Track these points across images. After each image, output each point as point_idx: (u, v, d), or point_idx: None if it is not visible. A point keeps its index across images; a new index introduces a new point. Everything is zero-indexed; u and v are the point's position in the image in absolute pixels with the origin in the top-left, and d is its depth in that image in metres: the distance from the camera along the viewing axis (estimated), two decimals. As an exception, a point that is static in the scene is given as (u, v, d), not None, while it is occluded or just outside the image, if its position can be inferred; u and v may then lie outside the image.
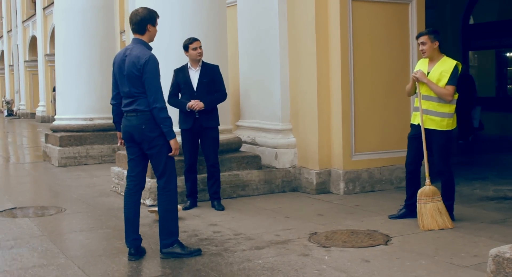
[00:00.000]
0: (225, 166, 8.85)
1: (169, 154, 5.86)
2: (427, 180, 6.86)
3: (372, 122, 9.16)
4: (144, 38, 5.92)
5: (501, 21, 17.23)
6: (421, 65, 7.15)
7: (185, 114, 7.98)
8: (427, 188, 6.81)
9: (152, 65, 5.74)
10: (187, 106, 7.86)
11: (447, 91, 6.88)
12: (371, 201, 8.36)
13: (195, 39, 7.98)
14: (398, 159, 9.25)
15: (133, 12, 5.95)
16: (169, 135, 5.80)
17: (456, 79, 6.95)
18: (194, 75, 8.03)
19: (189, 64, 8.08)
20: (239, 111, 10.66)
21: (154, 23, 5.95)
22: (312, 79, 9.05)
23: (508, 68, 18.18)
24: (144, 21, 5.88)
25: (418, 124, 7.00)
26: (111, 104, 6.20)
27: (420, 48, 7.06)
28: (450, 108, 6.96)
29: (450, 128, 7.00)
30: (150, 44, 5.99)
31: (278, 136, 9.55)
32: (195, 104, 7.85)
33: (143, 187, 6.09)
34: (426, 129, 6.95)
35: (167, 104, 6.01)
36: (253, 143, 9.94)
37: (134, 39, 5.97)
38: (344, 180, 8.88)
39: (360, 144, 9.05)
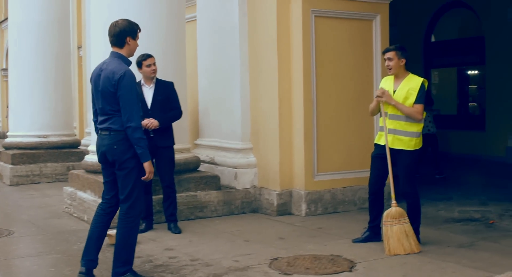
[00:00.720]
0: (182, 187, 8.49)
1: (143, 178, 5.50)
2: (393, 201, 6.59)
3: (335, 141, 8.90)
4: (123, 52, 5.60)
5: (462, 39, 17.22)
6: (386, 83, 6.91)
7: (139, 133, 7.62)
8: (393, 210, 6.53)
9: (127, 81, 5.40)
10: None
11: (416, 109, 6.66)
12: (334, 223, 8.07)
13: (149, 56, 7.65)
14: (361, 179, 9.00)
15: (112, 24, 5.64)
16: (143, 157, 5.44)
17: (424, 97, 6.74)
18: (148, 93, 7.70)
19: (142, 81, 7.74)
20: (197, 129, 10.33)
21: (134, 36, 5.63)
22: (273, 97, 8.76)
23: (470, 86, 18.15)
24: (123, 34, 5.57)
25: (384, 144, 6.74)
26: (93, 121, 5.86)
27: (386, 64, 6.82)
28: (418, 127, 6.73)
29: (417, 148, 6.76)
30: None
31: (238, 156, 9.23)
32: (150, 122, 7.50)
33: (116, 210, 5.71)
34: (392, 150, 6.69)
35: None
36: (212, 162, 9.61)
37: (111, 53, 5.65)
38: (306, 201, 8.58)
39: (322, 164, 8.77)
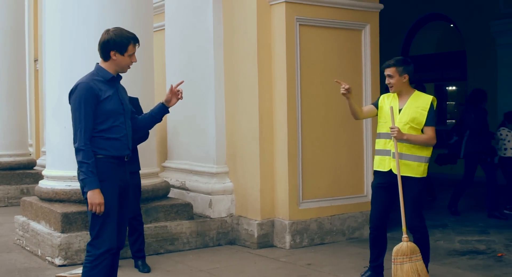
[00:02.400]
0: (150, 217, 7.47)
1: (89, 209, 4.56)
2: (404, 235, 5.64)
3: (321, 165, 7.96)
4: (106, 66, 4.73)
5: (442, 53, 16.49)
6: (388, 100, 5.99)
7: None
8: (404, 245, 5.56)
9: (76, 94, 4.59)
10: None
11: (429, 136, 5.79)
12: (324, 258, 7.11)
13: None
14: (349, 206, 8.13)
15: (104, 31, 4.78)
16: (84, 184, 4.54)
17: (435, 118, 5.86)
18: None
19: (103, 98, 6.69)
20: (165, 150, 9.30)
21: (122, 51, 4.70)
22: (252, 115, 7.79)
23: (448, 102, 17.43)
24: (107, 46, 4.68)
25: (389, 171, 5.82)
26: None
27: (387, 81, 5.91)
28: (428, 151, 5.84)
29: (425, 175, 5.86)
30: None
31: (213, 181, 8.22)
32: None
33: (119, 247, 4.78)
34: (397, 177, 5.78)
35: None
36: (183, 187, 8.58)
37: (96, 64, 4.84)
38: (291, 232, 7.61)
39: (308, 190, 7.82)
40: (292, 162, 7.65)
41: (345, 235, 8.06)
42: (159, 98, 8.63)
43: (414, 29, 16.59)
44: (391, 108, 5.79)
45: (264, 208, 7.76)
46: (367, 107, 6.21)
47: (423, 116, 5.78)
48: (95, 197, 4.51)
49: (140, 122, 5.01)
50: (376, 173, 6.05)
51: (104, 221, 4.60)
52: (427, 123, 5.79)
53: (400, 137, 5.67)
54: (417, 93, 5.97)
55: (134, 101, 6.81)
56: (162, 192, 7.84)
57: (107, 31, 4.71)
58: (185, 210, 7.78)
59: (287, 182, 7.63)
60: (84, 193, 4.63)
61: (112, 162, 4.68)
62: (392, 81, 5.87)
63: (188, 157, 8.70)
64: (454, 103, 17.37)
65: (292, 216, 7.66)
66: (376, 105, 6.09)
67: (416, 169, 5.79)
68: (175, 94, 4.98)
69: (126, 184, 4.85)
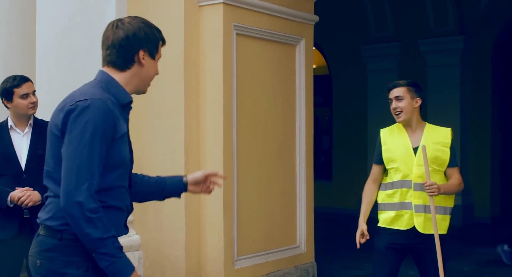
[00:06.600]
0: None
1: None
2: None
3: (256, 211, 6.36)
4: (122, 79, 2.70)
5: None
6: (392, 136, 4.60)
7: (4, 213, 4.43)
8: None
9: (88, 118, 2.51)
10: (8, 199, 4.33)
11: (459, 180, 4.55)
12: None
13: (25, 79, 4.60)
14: (283, 261, 6.70)
15: (110, 24, 2.72)
16: (115, 271, 2.60)
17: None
18: (21, 142, 4.54)
19: (10, 123, 4.60)
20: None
21: (153, 51, 2.75)
22: (175, 147, 5.96)
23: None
24: (134, 43, 2.68)
25: (410, 229, 4.46)
26: None
27: (393, 106, 4.55)
28: (452, 200, 4.68)
29: (446, 232, 4.59)
30: None
31: (115, 233, 6.27)
32: (25, 195, 4.34)
33: None
34: (424, 236, 4.44)
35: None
36: (69, 241, 6.54)
37: (99, 72, 2.75)
38: (226, 301, 5.92)
39: (243, 244, 6.17)
40: (227, 209, 5.96)
41: (281, 299, 6.52)
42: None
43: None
44: (424, 147, 4.35)
45: (190, 269, 5.98)
46: (374, 177, 4.73)
47: (446, 155, 4.51)
48: None
49: (145, 186, 3.03)
50: (386, 230, 4.62)
51: None
52: (451, 164, 4.52)
53: (438, 193, 4.33)
54: (429, 125, 4.66)
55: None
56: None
57: (120, 22, 2.69)
58: (84, 275, 5.79)
59: (222, 235, 5.92)
60: None
61: None
62: (401, 105, 4.52)
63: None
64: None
65: (228, 279, 5.97)
66: (380, 159, 4.65)
67: (441, 224, 4.53)
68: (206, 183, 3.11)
69: None
